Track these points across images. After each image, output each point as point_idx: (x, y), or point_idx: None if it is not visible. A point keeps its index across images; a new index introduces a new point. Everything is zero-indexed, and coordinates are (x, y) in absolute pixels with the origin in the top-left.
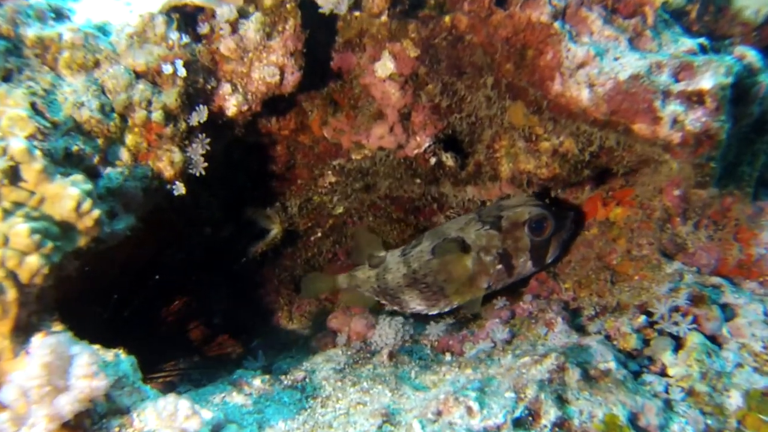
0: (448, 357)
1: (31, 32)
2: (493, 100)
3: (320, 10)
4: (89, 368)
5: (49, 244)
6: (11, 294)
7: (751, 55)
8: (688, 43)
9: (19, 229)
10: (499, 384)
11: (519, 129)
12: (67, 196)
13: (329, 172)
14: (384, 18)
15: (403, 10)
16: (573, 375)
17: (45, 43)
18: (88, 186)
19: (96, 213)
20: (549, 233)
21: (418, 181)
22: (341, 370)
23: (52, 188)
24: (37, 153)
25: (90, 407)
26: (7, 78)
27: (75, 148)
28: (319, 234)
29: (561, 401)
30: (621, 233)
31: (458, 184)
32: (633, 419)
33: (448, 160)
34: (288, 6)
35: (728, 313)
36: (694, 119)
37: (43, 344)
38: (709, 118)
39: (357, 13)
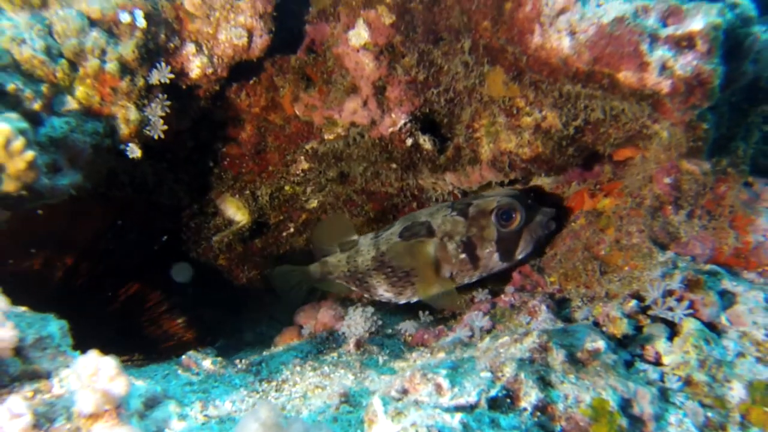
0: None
1: None
2: (471, 66)
3: None
4: None
5: None
6: None
7: (745, 3)
8: None
9: None
10: (474, 364)
11: (499, 101)
12: None
13: (302, 157)
14: None
15: None
16: (557, 356)
17: None
18: (23, 125)
19: (29, 154)
20: (518, 225)
21: (394, 165)
22: (303, 358)
23: None
24: None
25: None
26: None
27: (11, 86)
28: (292, 229)
29: (543, 383)
30: (609, 222)
31: (436, 171)
32: (624, 406)
33: (426, 142)
34: None
35: (726, 300)
36: (685, 63)
37: None
38: (701, 61)
39: None
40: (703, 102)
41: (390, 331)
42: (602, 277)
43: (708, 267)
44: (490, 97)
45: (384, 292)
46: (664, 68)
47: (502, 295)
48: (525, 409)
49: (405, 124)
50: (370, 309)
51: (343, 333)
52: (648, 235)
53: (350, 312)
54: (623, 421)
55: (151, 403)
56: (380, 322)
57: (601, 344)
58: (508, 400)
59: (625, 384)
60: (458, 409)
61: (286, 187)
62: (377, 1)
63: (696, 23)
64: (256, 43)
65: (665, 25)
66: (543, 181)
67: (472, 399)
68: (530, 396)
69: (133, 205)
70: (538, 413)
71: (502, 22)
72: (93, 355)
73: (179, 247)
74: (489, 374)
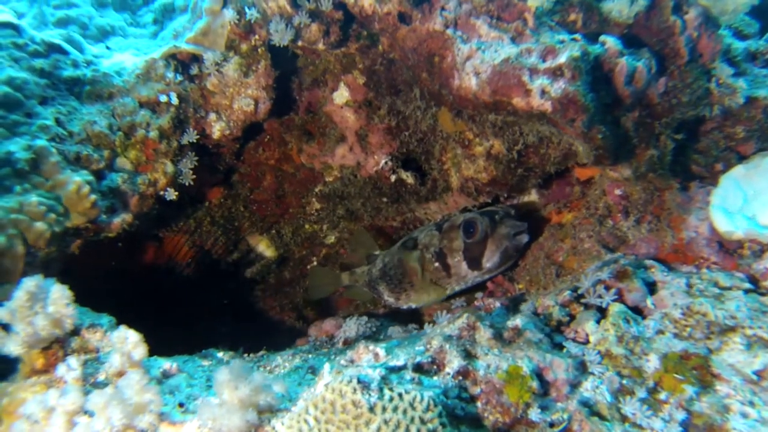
0: None
1: (65, 73)
2: (424, 109)
3: (272, 43)
4: (61, 298)
5: (52, 215)
6: (20, 249)
7: (611, 41)
8: (560, 37)
9: (31, 200)
10: (414, 343)
11: (453, 136)
12: (71, 182)
13: (313, 199)
14: (321, 46)
15: (337, 39)
16: (484, 334)
17: (73, 80)
18: (89, 177)
19: (93, 197)
20: (479, 236)
21: (385, 199)
22: (298, 353)
23: (61, 177)
24: (53, 150)
25: (60, 335)
26: (43, 102)
27: (85, 153)
28: (315, 262)
29: (468, 355)
30: (567, 233)
31: (421, 201)
32: (539, 373)
33: (408, 177)
34: (260, 51)
35: (656, 288)
36: (557, 87)
37: (30, 279)
38: (567, 85)
39: (320, 47)
40: (578, 115)
41: (382, 336)
42: (557, 278)
43: (644, 262)
44: (447, 134)
45: (387, 297)
46: (543, 92)
47: (475, 302)
48: (448, 374)
49: (386, 162)
50: (364, 318)
51: (340, 337)
52: (596, 240)
53: (347, 320)
54: (534, 383)
55: (168, 374)
56: (374, 329)
57: (518, 322)
58: (435, 367)
59: (543, 355)
60: (386, 369)
61: (306, 226)
62: (352, 67)
63: (562, 57)
64: (261, 108)
65: (544, 61)
66: (530, 199)
67: (400, 363)
68: (453, 363)
69: (179, 243)
70: (460, 377)
71: (434, 72)
72: (123, 328)
73: (219, 280)
74: (422, 347)
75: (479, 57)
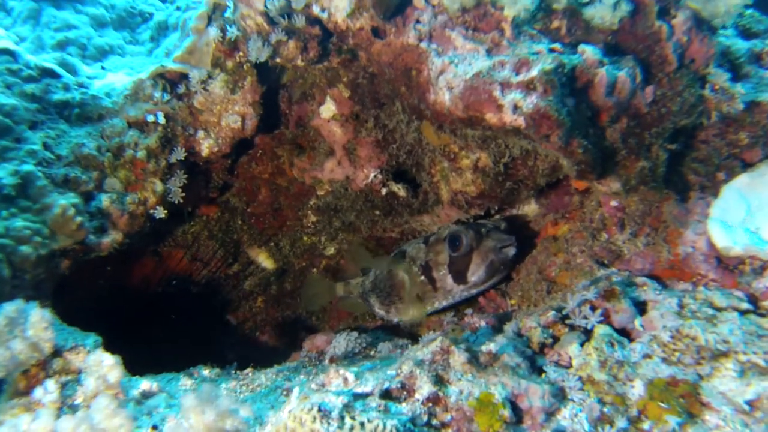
0: None
1: (56, 97)
2: (407, 123)
3: (249, 59)
4: (40, 322)
5: (38, 239)
6: (5, 273)
7: (589, 50)
8: (538, 47)
9: (16, 225)
10: (387, 366)
11: (439, 149)
12: (56, 205)
13: (309, 212)
14: (299, 62)
15: (316, 55)
16: (459, 358)
17: (63, 104)
18: (75, 200)
19: (78, 219)
20: (464, 250)
21: (378, 212)
22: (282, 371)
23: (48, 201)
24: (40, 175)
25: (40, 358)
26: (33, 127)
27: (73, 175)
28: (315, 273)
29: (440, 380)
30: (560, 247)
31: (413, 214)
32: (513, 400)
33: (400, 190)
34: (245, 67)
35: (647, 308)
36: (529, 102)
37: (10, 304)
38: (538, 99)
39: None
40: (552, 130)
41: (372, 353)
42: (548, 295)
43: (636, 280)
44: (432, 146)
45: (378, 310)
46: (516, 108)
47: (465, 318)
48: (417, 400)
49: (375, 176)
50: (354, 334)
51: (328, 353)
52: (588, 255)
53: (337, 336)
54: (506, 412)
55: (148, 394)
56: (364, 345)
57: (492, 346)
58: (405, 393)
59: (518, 381)
60: (352, 395)
61: (304, 238)
62: (337, 81)
63: (534, 71)
64: (248, 125)
65: (517, 74)
66: (530, 208)
67: (367, 389)
68: (423, 389)
69: (178, 258)
70: (430, 404)
71: (412, 86)
72: (99, 351)
73: (220, 292)
74: (393, 372)
75: (452, 71)
